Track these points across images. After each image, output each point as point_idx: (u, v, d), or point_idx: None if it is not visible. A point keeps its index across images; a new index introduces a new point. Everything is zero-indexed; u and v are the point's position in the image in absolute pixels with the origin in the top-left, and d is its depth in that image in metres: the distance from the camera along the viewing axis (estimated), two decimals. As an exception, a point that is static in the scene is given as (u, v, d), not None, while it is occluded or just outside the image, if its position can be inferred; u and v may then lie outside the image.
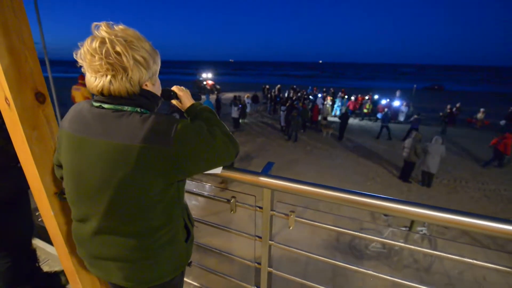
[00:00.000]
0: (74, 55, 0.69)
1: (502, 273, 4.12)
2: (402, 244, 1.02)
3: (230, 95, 16.83)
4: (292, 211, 0.97)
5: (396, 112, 15.03)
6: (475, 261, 0.88)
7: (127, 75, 0.68)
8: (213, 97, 18.27)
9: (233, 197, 1.06)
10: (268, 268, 1.12)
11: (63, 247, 1.18)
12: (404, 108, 14.46)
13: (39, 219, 1.97)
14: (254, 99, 16.32)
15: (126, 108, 0.71)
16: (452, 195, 7.08)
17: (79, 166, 0.72)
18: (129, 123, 0.67)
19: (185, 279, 1.33)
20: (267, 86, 21.20)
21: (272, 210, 1.00)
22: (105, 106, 0.71)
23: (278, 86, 19.42)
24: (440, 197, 6.95)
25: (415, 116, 11.36)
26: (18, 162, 1.04)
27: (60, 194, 1.11)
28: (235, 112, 12.70)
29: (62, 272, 1.72)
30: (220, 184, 6.62)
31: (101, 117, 0.70)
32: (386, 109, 12.39)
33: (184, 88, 1.00)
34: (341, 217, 5.79)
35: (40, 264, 1.65)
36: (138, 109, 0.73)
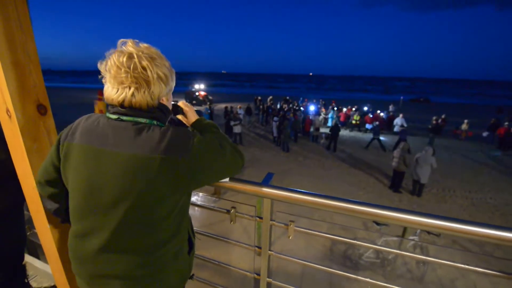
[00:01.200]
0: (99, 65, 0.73)
1: (492, 280, 4.19)
2: (400, 252, 1.05)
3: (222, 106, 16.92)
4: (292, 221, 0.99)
5: (386, 123, 15.43)
6: (474, 268, 0.91)
7: (150, 89, 0.72)
8: (202, 108, 18.28)
9: (233, 207, 1.08)
10: (268, 279, 1.12)
11: (57, 262, 1.15)
12: (399, 120, 14.79)
13: (28, 233, 1.90)
14: (248, 111, 16.41)
15: (143, 120, 0.74)
16: (441, 204, 7.24)
17: (94, 178, 0.72)
18: (150, 135, 0.70)
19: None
20: (259, 98, 21.47)
21: (271, 220, 1.01)
22: (124, 118, 0.74)
23: (270, 97, 19.71)
24: (430, 206, 7.09)
25: (400, 128, 11.72)
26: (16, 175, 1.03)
27: (56, 210, 1.09)
28: (237, 128, 11.92)
29: (51, 289, 1.66)
30: (213, 195, 6.55)
31: (122, 130, 0.72)
32: (377, 122, 12.69)
33: (189, 104, 1.04)
34: (335, 227, 5.81)
35: (29, 280, 1.58)
36: (155, 122, 0.76)
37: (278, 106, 18.90)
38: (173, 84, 0.82)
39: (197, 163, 0.72)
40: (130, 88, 0.71)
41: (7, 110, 0.93)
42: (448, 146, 13.01)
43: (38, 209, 1.06)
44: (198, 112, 1.06)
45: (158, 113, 0.78)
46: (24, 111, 0.95)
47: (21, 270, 1.44)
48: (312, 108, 16.77)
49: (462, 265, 1.01)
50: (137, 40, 0.74)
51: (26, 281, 1.51)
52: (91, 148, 0.72)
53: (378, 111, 16.98)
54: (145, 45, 0.75)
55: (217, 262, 1.21)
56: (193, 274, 0.96)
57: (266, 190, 0.92)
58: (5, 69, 0.88)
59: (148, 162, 0.68)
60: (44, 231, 1.10)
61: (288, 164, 9.96)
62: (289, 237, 0.99)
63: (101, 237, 0.73)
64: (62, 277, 1.17)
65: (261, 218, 1.02)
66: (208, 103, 22.00)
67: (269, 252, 1.07)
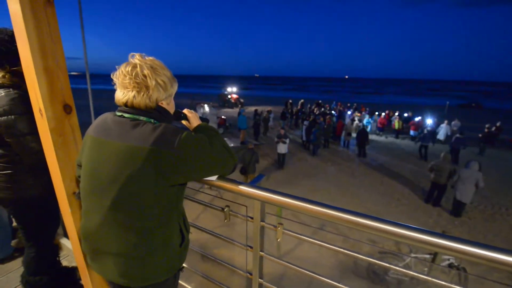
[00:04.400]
0: (112, 75, 0.87)
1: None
2: (421, 276, 0.92)
3: (253, 108, 17.16)
4: (281, 223, 0.99)
5: (433, 131, 14.27)
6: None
7: (149, 93, 0.85)
8: (236, 110, 18.73)
9: (227, 206, 1.11)
10: (259, 280, 1.13)
11: (77, 243, 1.30)
12: (446, 127, 13.54)
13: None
14: (283, 116, 16.29)
15: (142, 118, 0.86)
16: (489, 223, 6.42)
17: (95, 163, 0.85)
18: (143, 129, 0.81)
19: (182, 282, 1.38)
20: (290, 101, 21.34)
21: (262, 221, 1.03)
22: (126, 115, 0.87)
23: (301, 101, 19.45)
24: (475, 224, 6.33)
25: (457, 135, 10.56)
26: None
27: (78, 193, 1.24)
28: (280, 147, 9.27)
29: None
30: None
31: (121, 124, 0.84)
32: (427, 129, 11.68)
33: (193, 111, 1.15)
34: (361, 239, 5.51)
35: (60, 258, 1.80)
36: (152, 120, 0.87)
37: (309, 109, 18.56)
38: (172, 90, 0.94)
39: (182, 156, 0.79)
40: (132, 92, 0.85)
41: (40, 109, 1.09)
42: (502, 158, 11.50)
43: (62, 195, 1.22)
44: (202, 118, 1.14)
45: (156, 113, 0.89)
46: (52, 110, 1.10)
47: (53, 249, 1.65)
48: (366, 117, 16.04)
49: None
50: (144, 54, 0.89)
51: (57, 259, 1.72)
52: (97, 139, 0.87)
53: (419, 117, 15.68)
54: (151, 58, 0.89)
55: (213, 258, 1.26)
56: (183, 267, 1.02)
57: (252, 191, 0.94)
58: (38, 75, 1.04)
59: (137, 152, 0.78)
60: (66, 214, 1.25)
61: (316, 169, 9.72)
62: (277, 239, 1.00)
63: (99, 215, 0.85)
64: (80, 256, 1.32)
65: (252, 218, 1.04)
66: (239, 105, 22.52)
67: (260, 253, 1.08)
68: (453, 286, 0.88)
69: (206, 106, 16.93)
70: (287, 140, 9.32)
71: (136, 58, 0.86)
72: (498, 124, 13.73)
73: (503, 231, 6.04)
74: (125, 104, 0.87)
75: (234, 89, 28.79)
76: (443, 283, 0.89)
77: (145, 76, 0.84)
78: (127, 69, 0.84)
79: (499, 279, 4.44)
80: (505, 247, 0.68)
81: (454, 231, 6.05)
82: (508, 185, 8.48)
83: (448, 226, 6.26)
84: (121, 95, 0.87)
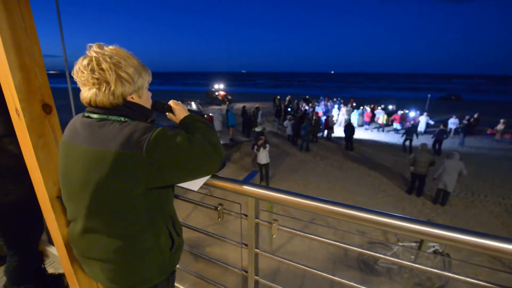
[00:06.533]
0: (72, 73, 0.78)
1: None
2: (409, 263, 0.94)
3: (240, 105, 17.08)
4: (275, 220, 0.99)
5: (417, 124, 14.75)
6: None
7: (110, 88, 0.75)
8: (224, 108, 18.61)
9: (220, 204, 1.10)
10: (255, 277, 1.12)
11: (63, 249, 1.24)
12: (425, 118, 14.04)
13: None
14: (277, 114, 16.27)
15: (111, 117, 0.78)
16: (470, 209, 6.74)
17: (66, 169, 0.80)
18: (109, 130, 0.73)
19: (175, 283, 1.36)
20: (278, 97, 21.38)
21: (256, 218, 1.02)
22: (92, 116, 0.79)
23: (288, 97, 19.56)
24: (457, 212, 6.63)
25: (441, 127, 10.96)
26: None
27: (61, 197, 1.18)
28: (262, 155, 7.73)
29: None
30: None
31: (87, 126, 0.78)
32: (412, 122, 11.97)
33: (180, 102, 1.05)
34: (351, 227, 5.65)
35: (46, 265, 1.72)
36: (122, 119, 0.78)
37: (296, 105, 18.69)
38: (142, 81, 0.83)
39: (153, 159, 0.72)
40: (92, 89, 0.76)
41: (16, 109, 1.02)
42: (481, 147, 12.08)
43: (44, 200, 1.15)
44: (190, 110, 1.07)
45: (126, 110, 0.80)
46: (30, 110, 1.03)
47: (37, 256, 1.58)
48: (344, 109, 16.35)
49: (486, 284, 0.82)
50: (102, 43, 0.78)
51: (42, 266, 1.65)
52: (66, 143, 0.81)
53: (407, 111, 16.14)
54: (111, 47, 0.78)
55: (207, 257, 1.24)
56: (174, 271, 0.97)
57: (246, 188, 0.92)
58: (13, 72, 0.96)
59: (103, 156, 0.71)
60: (50, 220, 1.19)
61: (306, 165, 9.82)
62: (273, 236, 0.99)
63: (79, 222, 0.81)
64: (67, 263, 1.26)
65: (246, 216, 1.03)
66: (227, 102, 22.37)
67: (255, 250, 1.07)
68: (438, 271, 0.92)
69: (193, 103, 16.70)
70: (268, 146, 7.86)
71: (92, 50, 0.75)
72: (476, 115, 14.37)
73: (482, 217, 6.37)
74: (90, 104, 0.78)
75: (221, 86, 28.51)
76: (429, 269, 0.93)
77: (103, 69, 0.73)
78: (83, 63, 0.74)
79: (479, 262, 4.69)
80: (485, 232, 0.71)
81: (437, 219, 6.31)
82: (486, 174, 8.93)
83: (432, 215, 6.53)
84: (83, 93, 0.78)
